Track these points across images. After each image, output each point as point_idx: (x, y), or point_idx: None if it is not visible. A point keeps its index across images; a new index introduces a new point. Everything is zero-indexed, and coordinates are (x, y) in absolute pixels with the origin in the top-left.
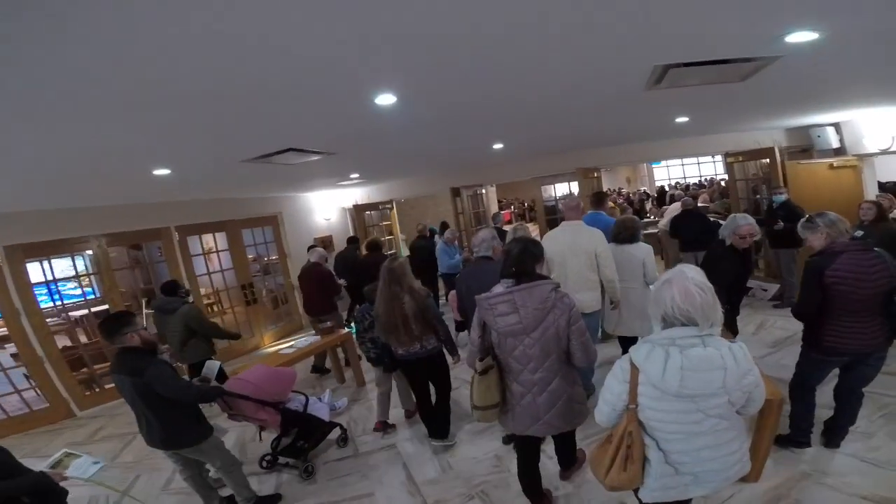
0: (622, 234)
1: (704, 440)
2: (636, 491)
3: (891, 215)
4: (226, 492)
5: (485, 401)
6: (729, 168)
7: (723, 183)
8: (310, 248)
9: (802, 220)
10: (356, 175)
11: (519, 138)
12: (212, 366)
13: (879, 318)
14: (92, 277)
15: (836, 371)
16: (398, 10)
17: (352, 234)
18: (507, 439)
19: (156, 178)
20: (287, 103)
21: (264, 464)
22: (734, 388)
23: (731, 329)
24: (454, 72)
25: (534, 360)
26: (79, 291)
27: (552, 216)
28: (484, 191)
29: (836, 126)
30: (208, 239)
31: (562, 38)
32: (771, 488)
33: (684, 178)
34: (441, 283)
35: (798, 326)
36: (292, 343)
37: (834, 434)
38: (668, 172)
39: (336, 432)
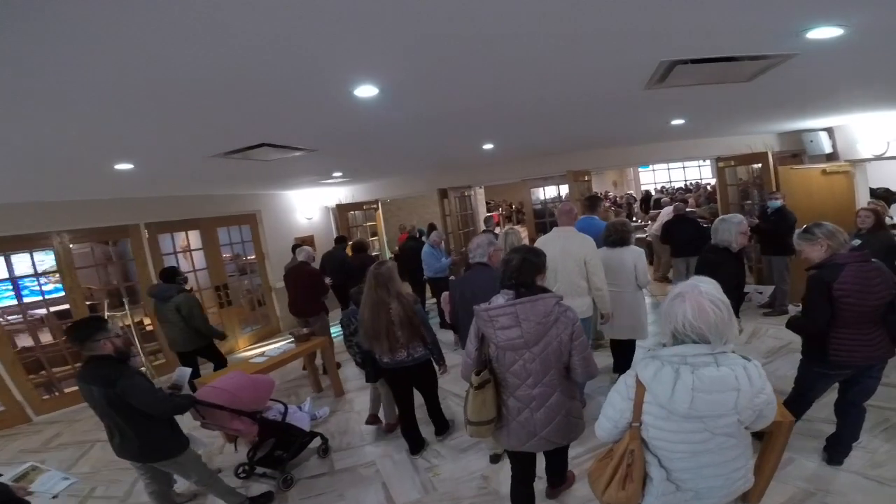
0: (613, 238)
1: (710, 458)
2: None
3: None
4: None
5: (480, 416)
6: (720, 172)
7: (709, 187)
8: (296, 247)
9: (799, 231)
10: (339, 173)
11: (510, 138)
12: (182, 372)
13: (881, 328)
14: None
15: (835, 385)
16: None
17: (335, 234)
18: (494, 458)
19: (118, 173)
20: (257, 93)
21: (241, 473)
22: (746, 407)
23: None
24: (442, 64)
25: (533, 375)
26: (38, 289)
27: (541, 219)
28: (472, 192)
29: (829, 131)
30: (184, 237)
31: (565, 31)
32: None
33: (670, 182)
34: (427, 288)
35: (791, 335)
36: (264, 351)
37: (836, 450)
38: (655, 176)
39: (317, 442)
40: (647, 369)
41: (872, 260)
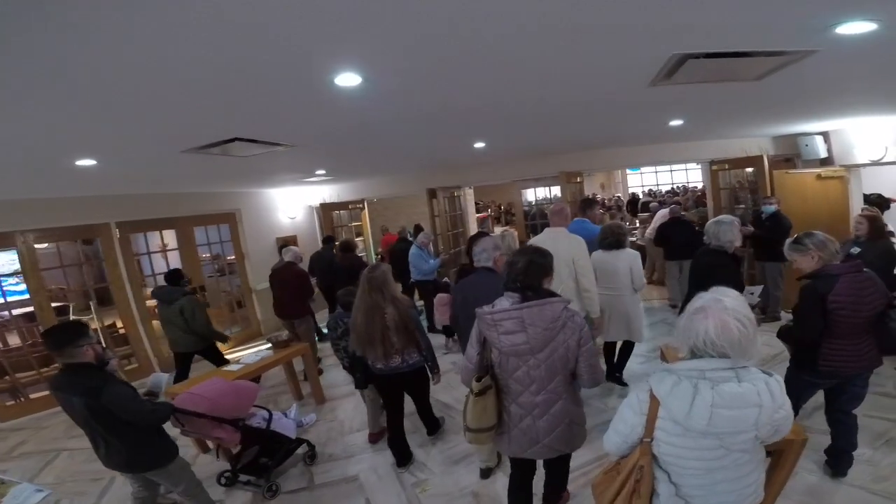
0: (608, 240)
1: (724, 474)
2: None
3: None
4: None
5: (480, 423)
6: (713, 176)
7: (696, 189)
8: (283, 247)
9: (789, 241)
10: (322, 171)
11: (503, 137)
12: (158, 378)
13: (869, 337)
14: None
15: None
16: None
17: (318, 234)
18: (486, 473)
19: (81, 170)
20: (224, 81)
21: (223, 481)
22: (766, 423)
23: None
24: (432, 52)
25: (537, 382)
26: None
27: (531, 221)
28: (462, 193)
29: (825, 135)
30: (162, 236)
31: (576, 24)
32: None
33: (657, 185)
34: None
35: (783, 344)
36: (240, 358)
37: (838, 460)
38: (642, 179)
39: (304, 448)
40: (662, 384)
41: (864, 270)
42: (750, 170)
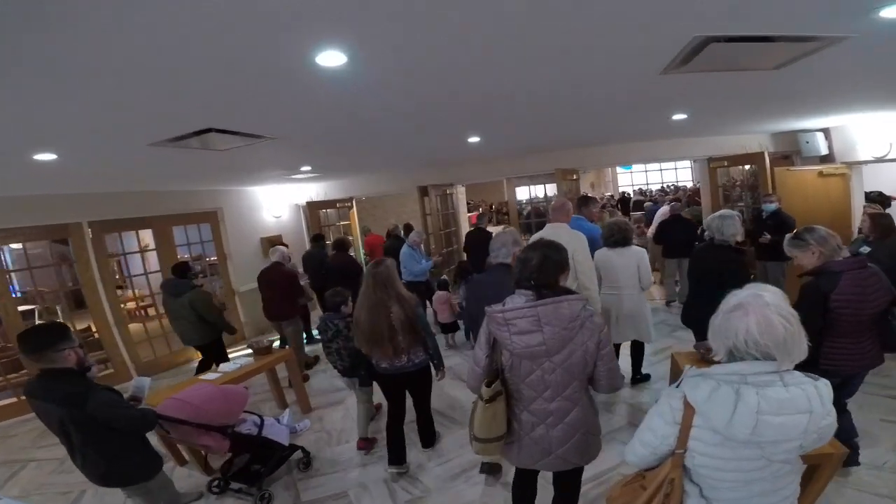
0: (614, 237)
1: (762, 486)
2: None
3: None
4: None
5: (490, 432)
6: (711, 173)
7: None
8: (272, 247)
9: (789, 236)
10: (308, 168)
11: (500, 130)
12: (141, 382)
13: (872, 336)
14: (13, 275)
15: None
16: None
17: (305, 233)
18: (486, 467)
19: (41, 165)
20: (194, 64)
21: (214, 489)
22: (813, 430)
23: None
24: (426, 26)
25: (551, 388)
26: None
27: (526, 220)
28: (454, 191)
29: (826, 132)
30: (142, 236)
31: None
32: None
33: (647, 184)
34: None
35: None
36: (219, 365)
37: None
38: (632, 178)
39: (297, 455)
40: (698, 390)
41: (868, 265)
42: (747, 167)
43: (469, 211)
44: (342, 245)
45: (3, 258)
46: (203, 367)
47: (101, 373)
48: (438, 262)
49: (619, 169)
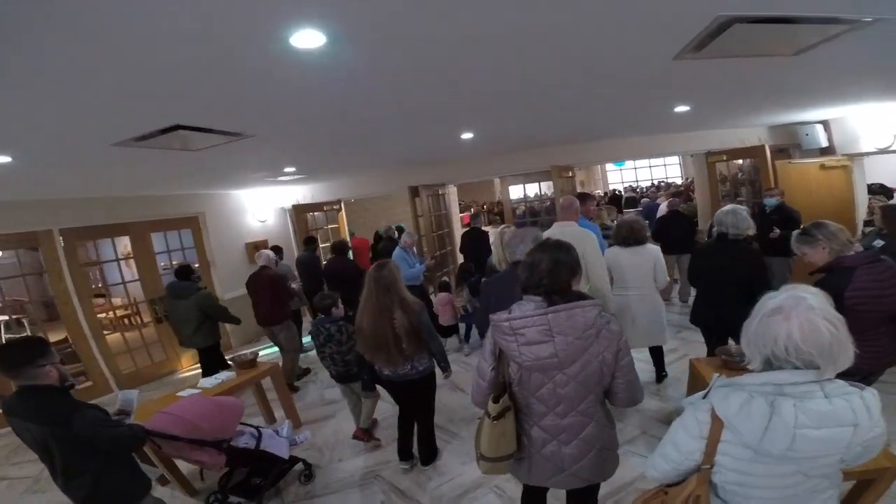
0: (629, 236)
1: (795, 503)
2: None
3: None
4: None
5: (499, 451)
6: (710, 168)
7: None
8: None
9: (797, 232)
10: (292, 169)
11: (495, 124)
12: (128, 396)
13: (889, 329)
14: None
15: None
16: None
17: (293, 237)
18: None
19: None
20: (152, 49)
21: (212, 502)
22: (856, 444)
23: None
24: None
25: (564, 402)
26: None
27: (521, 220)
28: (446, 191)
29: (825, 124)
30: (114, 244)
31: None
32: None
33: (637, 181)
34: None
35: None
36: (199, 381)
37: None
38: (622, 176)
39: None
40: (727, 401)
41: (882, 258)
42: (745, 161)
43: (460, 212)
44: (341, 248)
45: None
46: (207, 373)
47: (80, 385)
48: (431, 265)
49: (609, 166)
